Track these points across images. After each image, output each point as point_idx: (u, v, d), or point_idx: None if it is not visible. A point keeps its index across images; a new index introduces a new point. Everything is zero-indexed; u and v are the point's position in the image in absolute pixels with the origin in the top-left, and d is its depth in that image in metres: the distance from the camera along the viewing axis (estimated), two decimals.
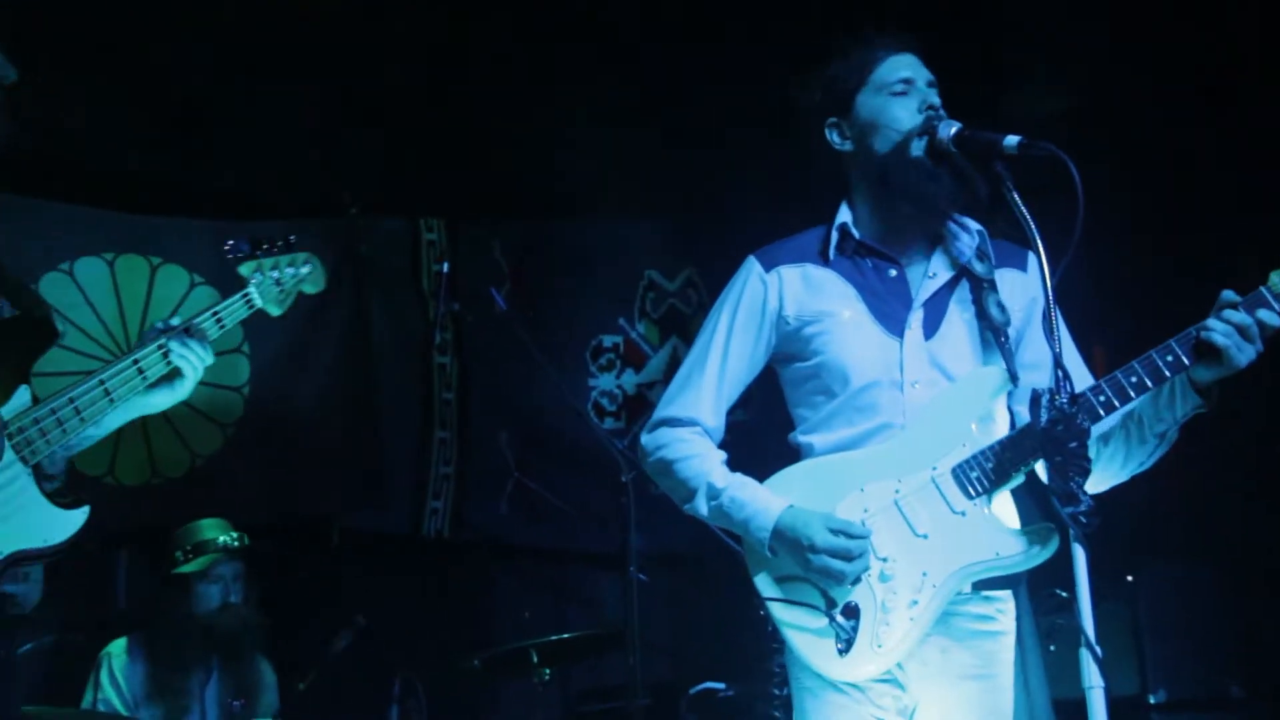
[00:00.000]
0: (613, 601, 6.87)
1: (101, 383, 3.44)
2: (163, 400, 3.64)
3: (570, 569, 7.26)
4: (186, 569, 5.84)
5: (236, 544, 5.88)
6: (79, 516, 3.35)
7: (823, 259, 3.65)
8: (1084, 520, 2.98)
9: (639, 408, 7.26)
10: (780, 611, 3.47)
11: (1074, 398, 3.04)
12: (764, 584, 3.51)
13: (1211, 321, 3.27)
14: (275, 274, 3.87)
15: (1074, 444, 2.99)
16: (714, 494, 3.55)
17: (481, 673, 5.99)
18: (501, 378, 7.19)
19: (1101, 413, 3.33)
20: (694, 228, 7.35)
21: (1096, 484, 3.48)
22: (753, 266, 3.70)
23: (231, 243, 3.93)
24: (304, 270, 3.93)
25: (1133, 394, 3.32)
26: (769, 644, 3.77)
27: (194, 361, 3.63)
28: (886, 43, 3.62)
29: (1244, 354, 3.24)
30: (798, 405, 3.70)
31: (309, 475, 6.86)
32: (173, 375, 3.60)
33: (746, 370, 3.69)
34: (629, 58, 6.44)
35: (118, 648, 5.84)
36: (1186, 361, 3.29)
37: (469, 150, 6.95)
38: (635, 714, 5.89)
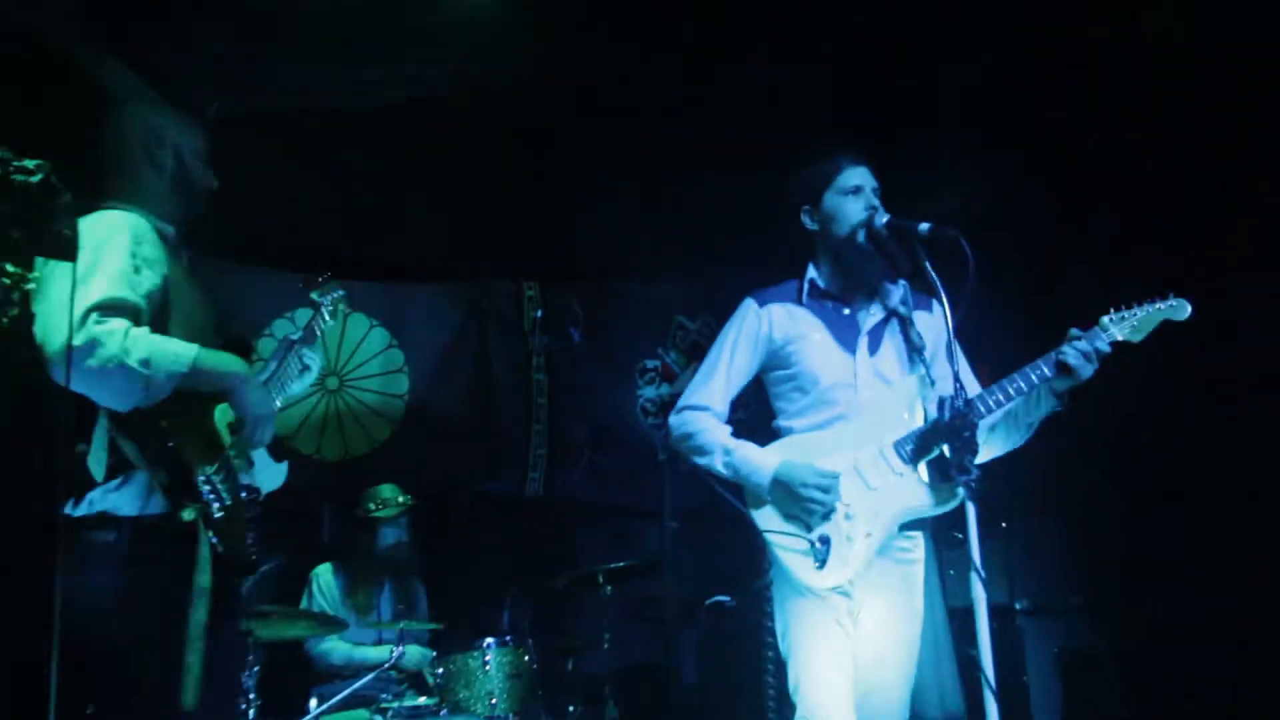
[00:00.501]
0: (653, 541, 6.88)
1: (276, 380, 3.45)
2: (299, 388, 3.55)
3: (623, 519, 7.23)
4: (377, 514, 5.89)
5: (404, 501, 5.93)
6: (284, 468, 3.28)
7: (798, 300, 3.70)
8: (973, 485, 3.07)
9: (670, 411, 7.27)
10: (774, 539, 3.50)
11: (967, 401, 3.12)
12: (761, 518, 3.54)
13: (1066, 348, 3.37)
14: (329, 297, 3.86)
15: (967, 433, 3.07)
16: (727, 453, 3.60)
17: (565, 590, 6.03)
18: (577, 389, 7.19)
19: (990, 409, 3.41)
20: (708, 285, 7.37)
21: (984, 457, 3.53)
22: (751, 304, 3.75)
23: (305, 279, 3.92)
24: (340, 294, 3.91)
25: (1012, 397, 3.41)
26: (761, 568, 3.78)
27: (315, 362, 3.56)
28: (847, 157, 3.68)
29: (1087, 369, 3.38)
30: (778, 400, 3.74)
31: (449, 456, 6.90)
32: (304, 369, 3.52)
33: (745, 374, 3.73)
34: (660, 176, 6.46)
35: (324, 569, 5.90)
36: (1049, 374, 3.39)
37: (558, 234, 6.99)
38: (669, 617, 5.92)
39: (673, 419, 3.78)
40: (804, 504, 3.43)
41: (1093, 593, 5.48)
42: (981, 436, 3.46)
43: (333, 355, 6.70)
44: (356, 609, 5.79)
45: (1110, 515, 5.62)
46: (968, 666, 5.30)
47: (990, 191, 5.82)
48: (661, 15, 5.31)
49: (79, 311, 2.70)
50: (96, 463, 2.84)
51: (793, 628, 3.51)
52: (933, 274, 3.24)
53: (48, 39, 4.82)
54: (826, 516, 3.44)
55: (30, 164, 2.31)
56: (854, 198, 3.61)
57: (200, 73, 5.52)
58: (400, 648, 5.25)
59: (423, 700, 4.98)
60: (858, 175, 3.64)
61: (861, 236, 3.54)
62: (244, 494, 3.03)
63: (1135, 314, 3.47)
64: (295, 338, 3.57)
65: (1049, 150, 5.72)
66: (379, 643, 5.72)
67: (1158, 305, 3.48)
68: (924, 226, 3.29)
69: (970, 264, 3.09)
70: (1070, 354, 3.39)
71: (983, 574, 3.02)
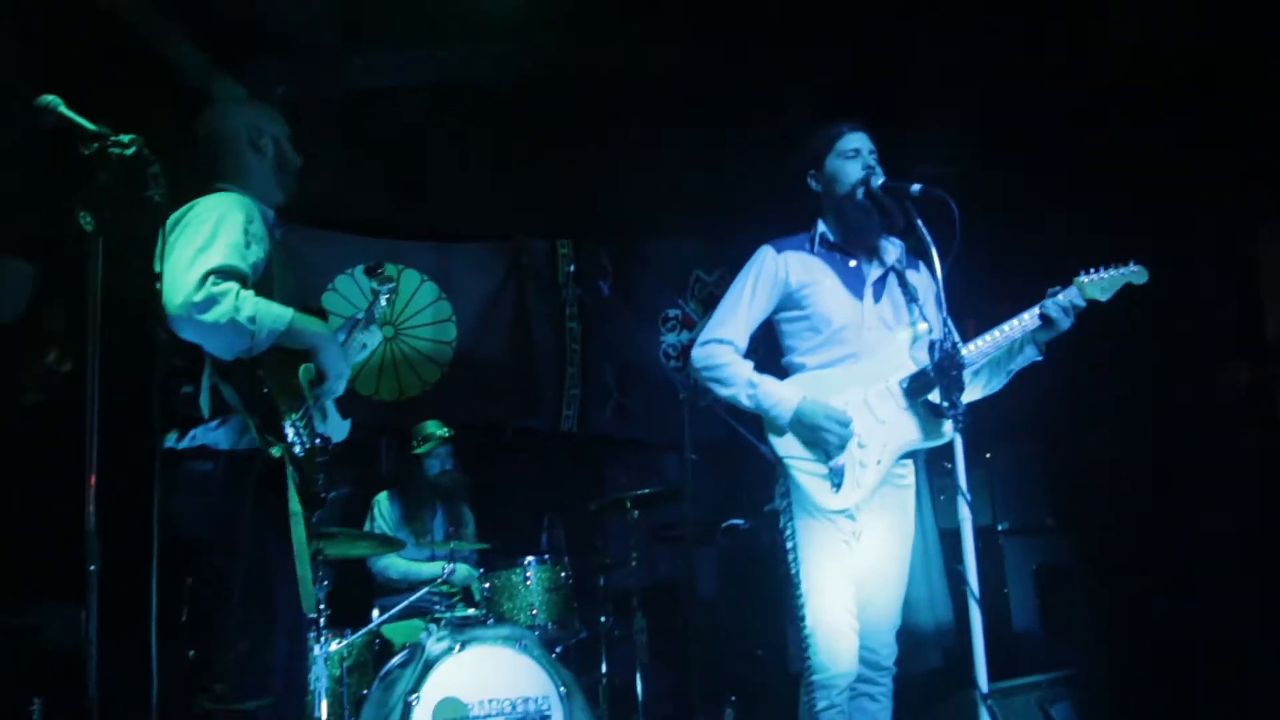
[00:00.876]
0: (673, 471, 6.92)
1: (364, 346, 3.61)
2: (361, 357, 3.74)
3: (647, 451, 7.27)
4: (419, 450, 5.96)
5: (447, 434, 5.99)
6: (348, 424, 3.43)
7: (811, 249, 3.70)
8: (959, 420, 3.09)
9: (689, 355, 7.29)
10: (793, 464, 3.52)
11: (954, 344, 3.13)
12: (780, 445, 3.55)
13: (1049, 302, 3.39)
14: (387, 286, 3.91)
15: (954, 372, 3.09)
16: (751, 385, 3.59)
17: (596, 514, 6.09)
18: (607, 335, 7.23)
19: (976, 356, 3.42)
20: (722, 241, 7.36)
21: (969, 397, 3.57)
22: (769, 250, 3.74)
23: (365, 267, 3.99)
24: (392, 284, 3.97)
25: (999, 343, 3.43)
26: (773, 493, 3.82)
27: (372, 339, 3.72)
28: (846, 124, 3.68)
29: (1066, 322, 3.40)
30: (790, 339, 3.74)
31: (492, 396, 6.95)
32: (357, 349, 3.67)
33: (762, 313, 3.72)
34: (679, 141, 6.44)
35: (382, 497, 6.00)
36: (1033, 325, 3.40)
37: (589, 197, 6.99)
38: (689, 538, 5.97)
39: (696, 351, 3.74)
40: (822, 436, 3.46)
41: (1067, 514, 5.49)
42: (967, 379, 3.50)
43: (388, 307, 6.71)
44: (412, 531, 5.87)
45: (1083, 444, 5.64)
46: (955, 580, 5.34)
47: (973, 158, 5.83)
48: None
49: (199, 274, 2.88)
50: (205, 403, 3.01)
51: (804, 546, 3.53)
52: (923, 229, 3.25)
53: (151, 39, 4.88)
54: (842, 448, 3.47)
55: (125, 138, 2.36)
56: (852, 160, 3.61)
57: (272, 60, 5.57)
58: (451, 565, 5.31)
59: (471, 611, 5.05)
60: (855, 140, 3.64)
61: (860, 194, 3.54)
62: (318, 441, 3.17)
63: (1103, 275, 3.48)
64: (359, 318, 3.70)
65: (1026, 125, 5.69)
66: (432, 560, 5.80)
67: (1122, 270, 3.50)
68: (915, 187, 3.31)
69: (957, 219, 3.11)
70: (1053, 308, 3.43)
71: (968, 498, 3.06)
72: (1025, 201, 5.81)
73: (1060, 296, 3.44)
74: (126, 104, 2.52)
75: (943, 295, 3.21)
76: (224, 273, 2.93)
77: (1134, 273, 3.51)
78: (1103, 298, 3.48)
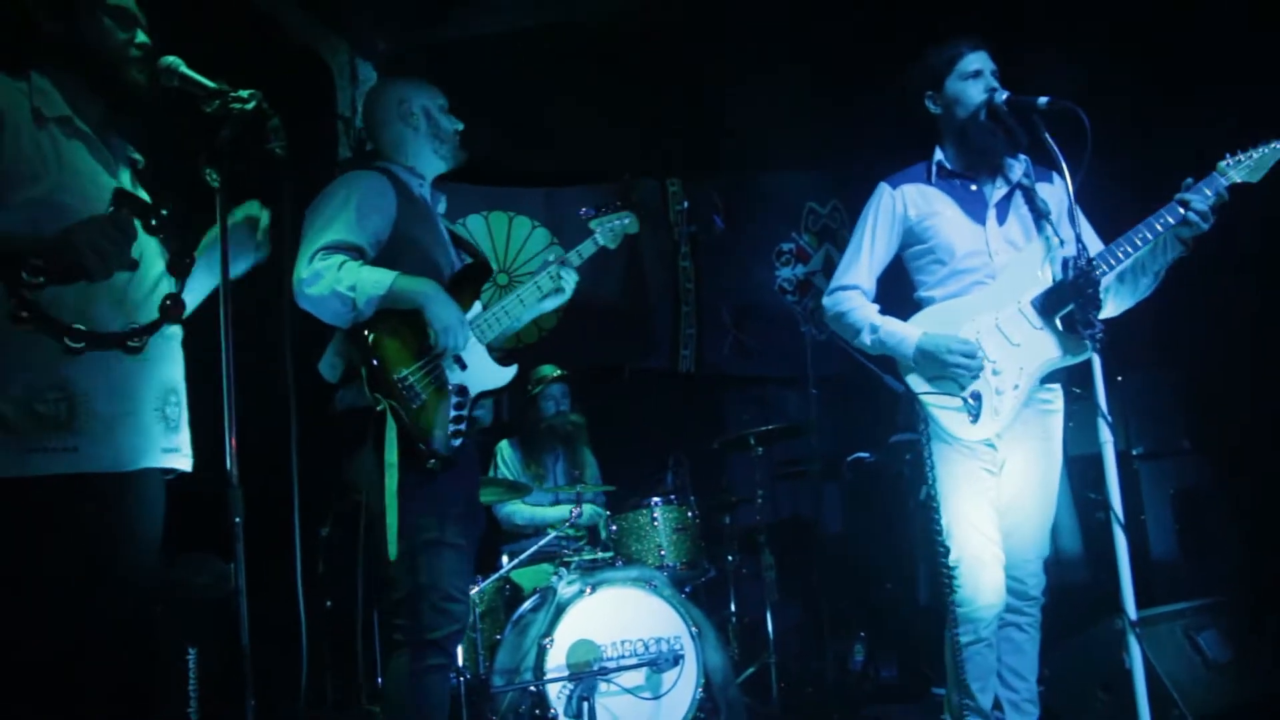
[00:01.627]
0: (792, 406, 6.91)
1: (519, 298, 3.58)
2: (551, 305, 3.73)
3: (768, 387, 7.25)
4: (533, 392, 6.02)
5: (558, 373, 6.04)
6: (511, 371, 3.49)
7: (928, 180, 3.63)
8: (1097, 338, 2.99)
9: (806, 289, 7.20)
10: (929, 399, 3.47)
11: (1089, 260, 3.03)
12: (914, 382, 3.51)
13: (1189, 195, 3.24)
14: (611, 225, 3.90)
15: (1090, 290, 3.00)
16: (874, 330, 3.57)
17: (719, 450, 6.09)
18: (721, 272, 7.16)
19: (1119, 259, 3.32)
20: (834, 171, 7.26)
21: (1115, 310, 3.49)
22: (885, 188, 3.69)
23: (584, 209, 3.97)
24: (627, 221, 3.95)
25: (1138, 247, 3.31)
26: (897, 424, 3.76)
27: (568, 281, 3.71)
28: (966, 43, 3.57)
29: (1207, 213, 3.24)
30: (918, 273, 3.69)
31: (609, 339, 6.97)
32: (557, 290, 3.69)
33: (887, 252, 3.68)
34: (787, 73, 6.34)
35: (504, 444, 6.08)
36: (1173, 222, 3.27)
37: (697, 132, 6.93)
38: (813, 472, 5.96)
39: (826, 300, 3.74)
40: (950, 369, 3.41)
41: (1204, 437, 5.32)
42: (1110, 289, 3.39)
43: (501, 254, 6.78)
44: (535, 476, 5.92)
45: (1218, 363, 5.45)
46: (1083, 508, 5.24)
47: (1098, 62, 5.59)
48: None
49: (309, 251, 3.13)
50: (328, 367, 3.27)
51: (944, 477, 3.49)
52: (1052, 144, 3.14)
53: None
54: (974, 378, 3.40)
55: (245, 93, 2.39)
56: (974, 80, 3.52)
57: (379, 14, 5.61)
58: (577, 508, 5.37)
59: (600, 554, 5.11)
60: (977, 60, 3.54)
61: (984, 114, 3.45)
62: (452, 392, 3.29)
63: (1252, 155, 3.29)
64: (551, 261, 3.75)
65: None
66: (556, 504, 5.85)
67: (1274, 145, 3.29)
68: (1042, 100, 3.21)
69: (1088, 131, 2.99)
70: (1194, 198, 3.26)
71: (1109, 420, 2.97)
72: (1155, 104, 5.55)
73: (1202, 190, 3.27)
74: (236, 64, 2.55)
75: (1076, 210, 3.09)
76: (333, 247, 3.14)
77: None
78: (1253, 179, 3.29)
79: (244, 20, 5.02)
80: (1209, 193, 3.25)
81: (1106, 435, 2.97)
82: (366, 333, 3.15)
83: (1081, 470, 5.16)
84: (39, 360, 2.25)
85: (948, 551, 3.43)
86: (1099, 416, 2.95)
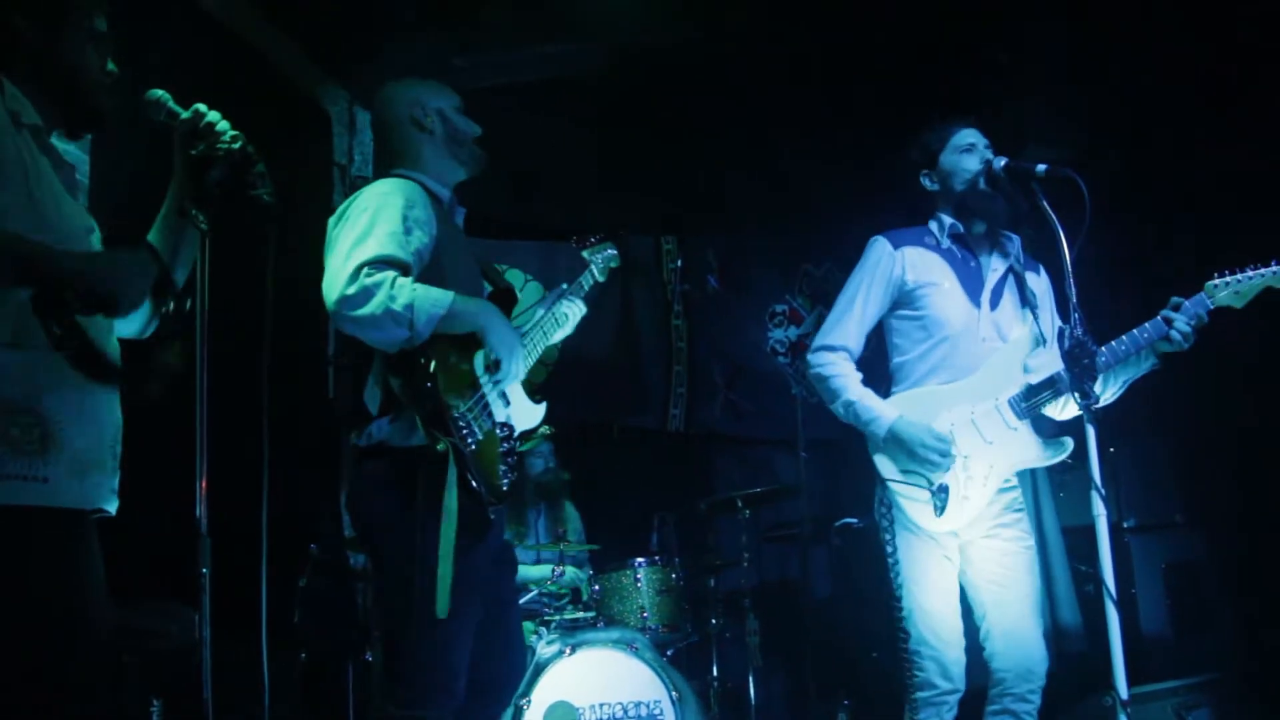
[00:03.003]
0: (783, 468, 6.86)
1: (541, 330, 3.47)
2: (560, 336, 3.60)
3: (758, 449, 7.20)
4: (522, 449, 5.94)
5: (549, 431, 5.94)
6: (541, 409, 3.37)
7: (932, 245, 3.60)
8: (1092, 409, 2.95)
9: (798, 350, 7.19)
10: (894, 486, 3.43)
11: (1085, 333, 3.00)
12: (881, 464, 3.48)
13: (1177, 321, 3.27)
14: (600, 256, 3.82)
15: (1086, 360, 2.96)
16: (850, 404, 3.51)
17: (706, 512, 6.02)
18: (714, 331, 7.14)
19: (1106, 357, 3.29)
20: (828, 233, 7.26)
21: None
22: (884, 245, 3.64)
23: (575, 238, 3.91)
24: (612, 252, 3.87)
25: (1120, 357, 3.34)
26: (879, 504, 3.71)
27: (575, 312, 3.60)
28: (958, 120, 3.59)
29: (1190, 340, 3.27)
30: (898, 337, 3.65)
31: (598, 396, 6.92)
32: (561, 321, 3.55)
33: (877, 313, 3.63)
34: (783, 136, 6.37)
35: None
36: (1154, 338, 3.28)
37: (693, 191, 6.93)
38: (803, 537, 5.88)
39: (810, 357, 3.69)
40: (921, 458, 3.37)
41: (1197, 510, 5.28)
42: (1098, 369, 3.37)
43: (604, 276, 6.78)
44: (516, 534, 5.84)
45: (1212, 435, 5.43)
46: (1080, 580, 5.18)
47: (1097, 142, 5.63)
48: None
49: (353, 267, 2.82)
50: (370, 399, 2.97)
51: (907, 565, 3.46)
52: (1049, 211, 3.11)
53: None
54: (942, 469, 3.38)
55: (230, 134, 2.35)
56: (969, 153, 3.53)
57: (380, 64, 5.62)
58: (560, 567, 5.29)
59: (581, 614, 5.03)
60: (970, 135, 3.57)
61: (982, 182, 3.45)
62: (498, 430, 3.09)
63: (1240, 280, 3.29)
64: (564, 289, 3.63)
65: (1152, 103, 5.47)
66: (538, 562, 5.76)
67: (1262, 272, 3.29)
68: (1040, 167, 3.18)
69: (1086, 199, 2.97)
70: (1178, 323, 3.28)
71: (1103, 493, 2.92)
72: (1146, 196, 5.59)
73: (1187, 316, 3.30)
74: (232, 108, 2.51)
75: (1071, 282, 3.06)
76: (380, 263, 2.85)
77: (1277, 274, 3.29)
78: (1237, 305, 3.32)
79: (242, 64, 5.02)
80: (1194, 319, 3.29)
81: (1100, 508, 2.90)
82: (424, 359, 2.85)
83: (1072, 542, 5.12)
84: (10, 381, 2.08)
85: (909, 636, 3.41)
86: (1092, 489, 2.89)
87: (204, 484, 2.23)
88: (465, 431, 2.90)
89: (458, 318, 2.90)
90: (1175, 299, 3.33)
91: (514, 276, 6.83)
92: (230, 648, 2.38)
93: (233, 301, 2.67)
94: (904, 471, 3.42)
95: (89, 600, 2.17)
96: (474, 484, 2.88)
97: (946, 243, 3.60)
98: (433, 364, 2.84)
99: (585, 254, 3.82)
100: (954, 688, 3.39)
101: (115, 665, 2.48)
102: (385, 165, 3.26)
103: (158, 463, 2.60)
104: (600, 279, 3.82)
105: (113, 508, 2.26)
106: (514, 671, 3.23)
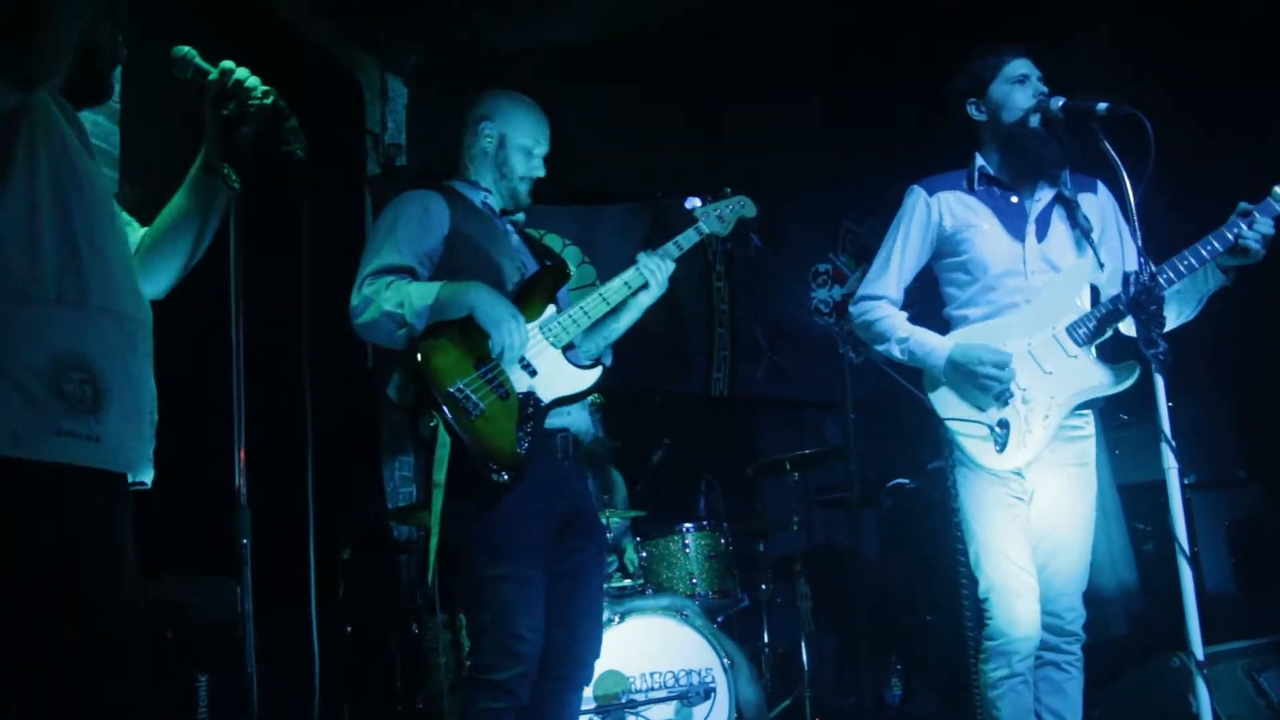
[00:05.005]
0: (829, 430, 6.79)
1: (601, 296, 3.37)
2: (646, 300, 3.49)
3: (804, 411, 7.14)
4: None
5: (598, 402, 5.91)
6: (594, 374, 3.27)
7: (968, 188, 3.50)
8: (1162, 358, 2.84)
9: (842, 310, 7.09)
10: (954, 425, 3.35)
11: (1152, 275, 2.88)
12: (939, 402, 3.42)
13: (1245, 231, 3.09)
14: (719, 210, 3.70)
15: (1154, 307, 2.84)
16: (903, 340, 3.46)
17: (753, 476, 5.96)
18: (757, 292, 7.07)
19: (1180, 273, 3.18)
20: (872, 189, 7.11)
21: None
22: (920, 193, 3.56)
23: (688, 201, 3.78)
24: (743, 203, 3.75)
25: (1183, 274, 3.16)
26: (939, 452, 3.62)
27: (658, 273, 3.46)
28: (1011, 49, 3.44)
29: (1261, 250, 3.08)
30: (948, 286, 3.56)
31: (641, 361, 6.80)
32: (644, 286, 3.45)
33: (917, 262, 3.55)
34: (824, 90, 6.25)
35: None
36: (1220, 250, 3.13)
37: (733, 150, 6.84)
38: (851, 499, 5.79)
39: (853, 308, 3.63)
40: (980, 382, 3.29)
41: (1261, 464, 5.15)
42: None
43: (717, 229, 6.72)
44: None
45: (1272, 389, 5.29)
46: (1136, 539, 5.08)
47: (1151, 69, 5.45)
48: None
49: (359, 281, 3.11)
50: (394, 389, 3.17)
51: (973, 506, 3.37)
52: (1114, 154, 2.97)
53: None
54: (1002, 394, 3.28)
55: (260, 89, 2.28)
56: (1021, 85, 3.39)
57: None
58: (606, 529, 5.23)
59: (628, 581, 4.97)
60: (1023, 65, 3.42)
61: (1036, 120, 3.31)
62: (519, 399, 3.11)
63: None
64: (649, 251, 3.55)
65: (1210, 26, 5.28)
66: None
67: None
68: (1102, 106, 3.03)
69: (1150, 138, 2.84)
70: (1251, 237, 3.12)
71: (1173, 444, 2.80)
72: (1210, 119, 5.39)
73: (1257, 221, 3.12)
74: (264, 77, 2.43)
75: (1136, 223, 2.93)
76: (380, 271, 3.11)
77: None
78: None
79: (274, 34, 4.96)
80: (1266, 229, 3.11)
81: (1170, 461, 2.80)
82: (414, 348, 3.05)
83: (1132, 499, 5.01)
84: (61, 335, 1.99)
85: (976, 583, 3.34)
86: (1162, 441, 2.79)
87: (242, 454, 2.18)
88: (466, 405, 3.01)
89: (447, 304, 3.06)
90: (1243, 204, 3.16)
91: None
92: (273, 621, 2.34)
93: (269, 269, 2.63)
94: (962, 399, 3.35)
95: (126, 568, 2.11)
96: (473, 456, 2.97)
97: (983, 185, 3.49)
98: (420, 350, 3.02)
99: (697, 212, 3.69)
100: (1025, 635, 3.26)
101: (152, 638, 2.43)
102: (442, 174, 3.50)
103: (196, 433, 2.56)
104: (720, 232, 3.70)
105: (149, 478, 2.19)
106: (577, 645, 3.21)
